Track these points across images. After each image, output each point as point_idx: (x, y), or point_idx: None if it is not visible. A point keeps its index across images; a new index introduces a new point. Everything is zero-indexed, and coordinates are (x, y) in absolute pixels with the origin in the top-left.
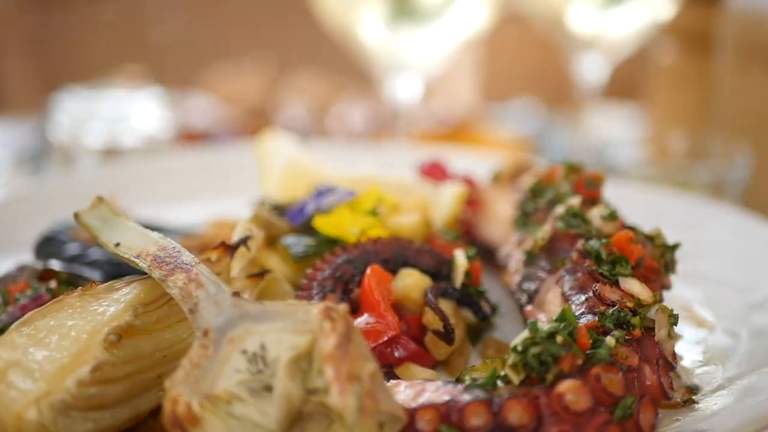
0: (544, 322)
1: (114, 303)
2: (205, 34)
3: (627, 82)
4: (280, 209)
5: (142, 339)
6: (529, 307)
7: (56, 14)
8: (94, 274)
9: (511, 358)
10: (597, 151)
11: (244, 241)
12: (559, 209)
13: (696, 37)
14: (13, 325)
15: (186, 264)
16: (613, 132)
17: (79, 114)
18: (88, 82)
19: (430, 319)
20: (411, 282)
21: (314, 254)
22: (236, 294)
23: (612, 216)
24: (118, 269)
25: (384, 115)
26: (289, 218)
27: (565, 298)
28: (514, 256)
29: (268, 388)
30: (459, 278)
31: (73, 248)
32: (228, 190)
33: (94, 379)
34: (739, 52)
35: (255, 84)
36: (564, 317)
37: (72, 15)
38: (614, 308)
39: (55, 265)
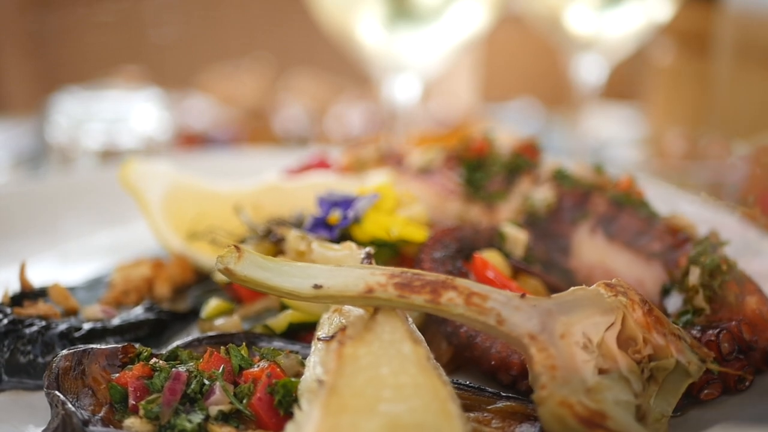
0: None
1: (398, 341)
2: (203, 36)
3: (625, 83)
4: (290, 225)
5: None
6: (573, 261)
7: (55, 15)
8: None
9: (702, 293)
10: (595, 151)
11: (369, 258)
12: (545, 173)
13: (694, 37)
14: (322, 399)
15: (442, 281)
16: (612, 132)
17: (77, 115)
18: (87, 83)
19: (534, 282)
20: (494, 262)
21: (386, 261)
22: (523, 295)
23: (600, 169)
24: (120, 334)
25: (382, 116)
26: (317, 233)
27: (623, 243)
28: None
29: (602, 370)
30: (520, 250)
31: (60, 325)
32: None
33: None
34: (736, 53)
35: (253, 85)
36: (704, 251)
37: (71, 16)
38: (704, 238)
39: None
